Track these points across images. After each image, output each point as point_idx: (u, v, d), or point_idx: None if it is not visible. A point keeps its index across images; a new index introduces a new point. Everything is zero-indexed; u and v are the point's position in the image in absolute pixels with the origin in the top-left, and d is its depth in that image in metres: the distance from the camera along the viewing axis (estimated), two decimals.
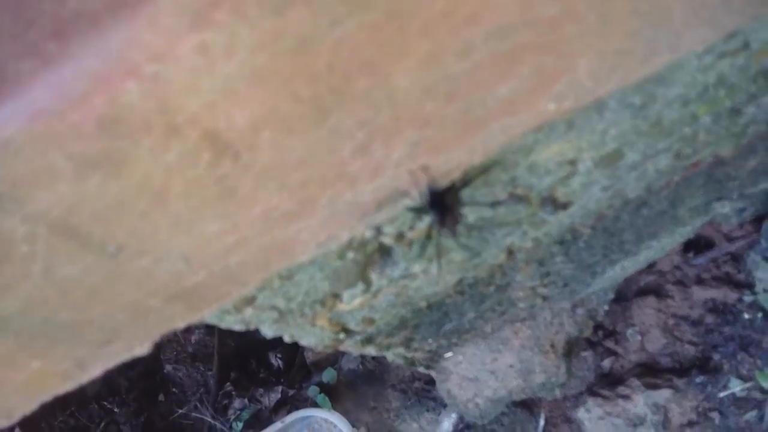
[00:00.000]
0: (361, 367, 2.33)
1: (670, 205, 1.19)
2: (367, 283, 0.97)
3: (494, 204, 0.87)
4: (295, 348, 2.47)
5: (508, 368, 1.63)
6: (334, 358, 2.37)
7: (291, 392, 2.38)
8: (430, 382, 2.23)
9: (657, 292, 1.77)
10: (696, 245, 1.73)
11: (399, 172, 0.64)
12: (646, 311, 1.78)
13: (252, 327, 0.93)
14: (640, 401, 1.70)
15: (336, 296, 0.98)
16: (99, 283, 0.61)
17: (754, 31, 0.74)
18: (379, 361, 2.33)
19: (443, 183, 0.71)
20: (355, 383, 2.31)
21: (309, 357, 2.40)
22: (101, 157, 0.48)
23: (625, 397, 1.73)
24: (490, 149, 0.66)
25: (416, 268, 0.97)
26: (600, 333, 1.84)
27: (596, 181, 0.93)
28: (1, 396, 0.73)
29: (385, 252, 0.92)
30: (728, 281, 1.69)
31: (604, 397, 1.76)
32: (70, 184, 0.49)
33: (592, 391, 1.80)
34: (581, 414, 1.78)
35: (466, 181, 0.75)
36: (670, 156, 0.95)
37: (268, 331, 0.98)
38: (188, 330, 2.56)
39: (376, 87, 0.52)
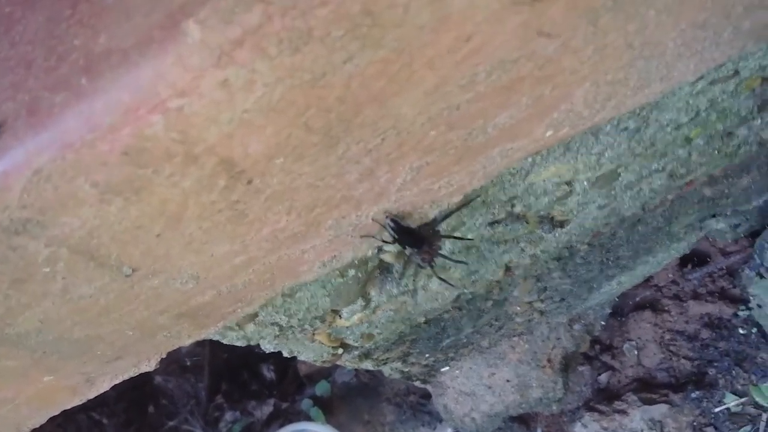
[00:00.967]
0: (355, 380, 2.33)
1: (665, 221, 1.22)
2: (367, 300, 0.99)
3: (493, 223, 0.90)
4: (288, 360, 2.46)
5: (505, 383, 1.64)
6: (327, 371, 2.36)
7: (284, 405, 2.36)
8: (426, 396, 2.24)
9: (653, 306, 1.80)
10: (692, 260, 1.76)
11: (402, 196, 0.67)
12: (642, 326, 1.80)
13: (253, 343, 0.95)
14: (637, 416, 1.72)
15: (336, 312, 1.01)
16: (112, 302, 0.63)
17: (743, 59, 0.77)
18: (373, 374, 2.33)
19: (430, 215, 0.75)
20: (349, 396, 2.30)
21: (302, 369, 2.40)
22: (124, 184, 0.50)
23: (622, 412, 1.75)
24: (490, 172, 0.69)
25: (416, 284, 0.99)
26: (597, 347, 1.86)
27: (592, 200, 0.95)
28: (12, 410, 0.74)
29: (385, 269, 0.94)
30: (723, 296, 1.71)
31: (600, 412, 1.78)
32: (93, 209, 0.51)
33: (588, 406, 1.82)
34: (578, 429, 1.80)
35: (446, 215, 0.79)
36: (664, 176, 0.97)
37: (268, 346, 1.00)
38: None
39: (383, 116, 0.54)
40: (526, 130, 0.64)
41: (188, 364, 2.60)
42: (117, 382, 0.78)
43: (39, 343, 0.65)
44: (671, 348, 1.77)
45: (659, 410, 1.71)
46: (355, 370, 2.34)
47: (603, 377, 1.85)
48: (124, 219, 0.54)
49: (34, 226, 0.51)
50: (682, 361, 1.75)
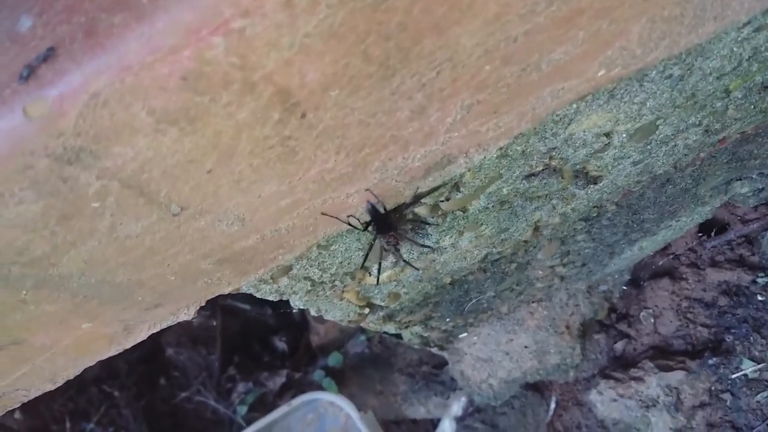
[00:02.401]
0: (367, 350, 2.33)
1: (693, 183, 1.20)
2: (397, 256, 0.98)
3: (529, 176, 0.88)
4: (300, 332, 2.47)
5: (523, 349, 1.64)
6: (339, 342, 2.36)
7: (296, 376, 2.36)
8: (438, 366, 2.24)
9: (671, 274, 1.78)
10: (711, 228, 1.75)
11: (450, 138, 0.65)
12: (659, 294, 1.79)
13: (285, 297, 0.94)
14: (653, 383, 1.71)
15: (366, 270, 1.00)
16: (158, 243, 0.62)
17: None
18: (386, 345, 2.34)
19: (400, 199, 0.75)
20: (362, 367, 2.30)
21: (314, 341, 2.40)
22: (180, 113, 0.49)
23: (638, 379, 1.74)
24: (538, 115, 0.68)
25: (446, 241, 0.98)
26: (613, 316, 1.86)
27: (628, 155, 0.94)
28: (49, 359, 0.74)
29: (417, 224, 0.93)
30: (742, 263, 1.70)
31: (616, 380, 1.78)
32: (147, 139, 0.50)
33: (604, 374, 1.81)
34: (593, 396, 1.80)
35: (417, 197, 0.79)
36: (700, 131, 0.96)
37: (298, 303, 0.99)
38: None
39: (441, 47, 0.53)
40: (580, 68, 0.63)
41: (200, 336, 2.60)
42: (154, 331, 0.77)
43: (81, 286, 0.64)
44: (688, 316, 1.77)
45: (675, 377, 1.70)
46: (368, 341, 2.34)
47: (619, 345, 1.85)
48: (177, 152, 0.52)
49: (88, 156, 0.50)
50: (699, 328, 1.75)
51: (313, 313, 1.07)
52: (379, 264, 0.90)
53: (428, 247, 0.96)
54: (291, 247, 0.73)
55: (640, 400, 1.73)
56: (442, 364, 2.23)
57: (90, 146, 0.49)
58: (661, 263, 1.82)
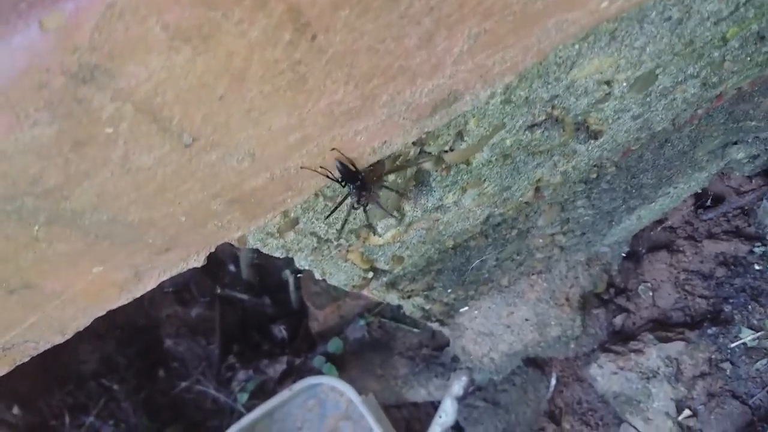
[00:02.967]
0: (367, 336, 2.33)
1: (690, 144, 1.22)
2: (402, 215, 0.99)
3: (532, 126, 0.89)
4: (299, 319, 2.47)
5: (524, 322, 1.65)
6: (339, 328, 2.37)
7: (297, 362, 2.36)
8: (438, 348, 2.25)
9: (668, 247, 1.80)
10: (706, 200, 1.77)
11: (457, 71, 0.66)
12: (657, 267, 1.81)
13: (291, 254, 0.95)
14: (653, 354, 1.73)
15: (370, 228, 1.00)
16: (169, 177, 0.63)
17: None
18: (385, 329, 2.34)
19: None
20: (362, 352, 2.31)
21: (314, 327, 2.40)
22: (193, 30, 0.49)
23: (638, 352, 1.76)
24: (543, 49, 0.69)
25: (449, 198, 0.99)
26: (611, 291, 1.87)
27: (628, 108, 0.95)
28: (59, 307, 0.74)
29: (420, 182, 0.94)
30: (739, 234, 1.72)
31: (616, 353, 1.79)
32: (161, 58, 0.50)
33: (604, 348, 1.83)
34: (593, 370, 1.81)
35: (392, 170, 0.82)
36: (697, 84, 0.97)
37: (304, 262, 1.00)
38: (187, 304, 2.55)
39: None
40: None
41: (198, 327, 2.59)
42: (164, 278, 0.77)
43: (93, 224, 0.64)
44: (686, 288, 1.78)
45: (675, 348, 1.72)
46: (367, 326, 2.34)
47: (618, 320, 1.86)
48: (190, 73, 0.53)
49: (102, 75, 0.50)
50: (698, 300, 1.76)
51: (317, 275, 1.07)
52: (345, 220, 0.90)
53: (393, 217, 0.97)
54: (299, 189, 0.73)
55: (641, 371, 1.75)
56: (442, 346, 2.24)
57: (105, 64, 0.49)
58: (658, 236, 1.84)
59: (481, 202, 1.04)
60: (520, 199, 1.11)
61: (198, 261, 0.76)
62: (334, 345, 2.33)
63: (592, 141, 1.00)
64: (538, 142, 0.93)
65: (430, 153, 0.86)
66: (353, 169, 0.75)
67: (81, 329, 0.80)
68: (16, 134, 0.51)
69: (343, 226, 0.90)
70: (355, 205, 0.85)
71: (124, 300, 0.77)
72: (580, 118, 0.93)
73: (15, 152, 0.53)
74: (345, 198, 0.84)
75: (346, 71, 0.60)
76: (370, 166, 0.78)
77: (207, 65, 0.53)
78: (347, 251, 1.03)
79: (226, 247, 2.67)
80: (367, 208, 0.86)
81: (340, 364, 2.31)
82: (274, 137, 0.64)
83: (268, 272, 2.68)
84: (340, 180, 0.75)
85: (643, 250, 1.85)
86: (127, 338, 2.57)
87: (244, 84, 0.56)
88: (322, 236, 0.94)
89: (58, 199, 0.59)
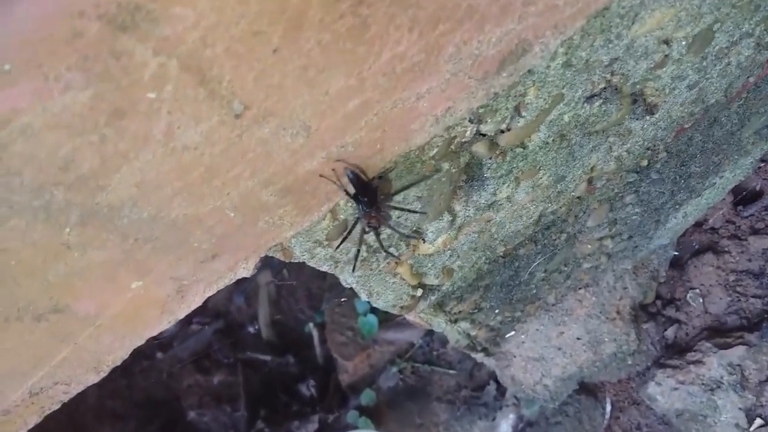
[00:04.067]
0: (400, 383, 2.22)
1: (738, 123, 1.15)
2: (453, 215, 0.90)
3: (591, 97, 0.82)
4: (327, 373, 2.36)
5: (576, 341, 1.54)
6: (370, 378, 2.25)
7: (330, 419, 2.24)
8: (478, 388, 2.13)
9: (712, 249, 1.71)
10: (744, 197, 1.69)
11: (526, 13, 0.59)
12: (704, 271, 1.71)
13: (338, 268, 0.86)
14: (714, 363, 1.61)
15: (420, 233, 0.92)
16: (217, 159, 0.54)
17: None
18: (419, 374, 2.22)
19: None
20: (397, 401, 2.19)
21: (344, 380, 2.28)
22: None
23: (697, 363, 1.64)
24: None
25: (503, 192, 0.91)
26: (658, 302, 1.77)
27: (685, 74, 0.88)
28: (93, 336, 0.64)
29: (474, 173, 0.86)
30: None
31: (674, 367, 1.67)
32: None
33: (660, 364, 1.71)
34: (652, 389, 1.68)
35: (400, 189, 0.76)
36: (752, 45, 0.91)
37: (351, 279, 0.91)
38: (208, 371, 2.44)
39: None
40: None
41: (222, 394, 2.48)
42: (209, 294, 0.67)
43: (132, 223, 0.55)
44: (737, 289, 1.68)
45: (736, 353, 1.60)
46: (400, 372, 2.23)
47: (669, 332, 1.75)
48: (243, 17, 0.46)
49: (144, 20, 0.42)
50: (751, 300, 1.66)
51: (364, 296, 0.98)
52: (358, 251, 0.82)
53: (412, 237, 0.88)
54: None
55: (703, 383, 1.62)
56: (482, 385, 2.11)
57: (147, 4, 0.42)
58: (700, 239, 1.75)
59: (534, 197, 0.96)
60: (573, 193, 1.03)
61: (247, 269, 0.67)
62: (367, 397, 2.21)
63: (648, 117, 0.93)
64: (596, 118, 0.86)
65: (485, 135, 0.78)
66: (365, 179, 0.67)
67: (117, 364, 0.70)
68: (45, 103, 0.44)
69: (356, 258, 0.82)
70: (366, 229, 0.76)
71: (165, 323, 0.67)
72: (638, 87, 0.86)
73: (43, 127, 0.45)
74: (355, 224, 0.76)
75: (411, 14, 0.52)
76: (379, 176, 0.71)
77: (262, 4, 0.45)
78: (396, 264, 0.94)
79: (243, 308, 2.58)
80: (379, 230, 0.78)
81: (376, 417, 2.19)
82: (332, 104, 0.56)
83: (289, 329, 2.58)
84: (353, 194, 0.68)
85: (687, 256, 1.76)
86: (148, 415, 2.46)
87: (301, 32, 0.49)
88: (372, 243, 0.85)
89: (92, 191, 0.51)
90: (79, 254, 0.55)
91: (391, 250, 0.89)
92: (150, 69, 0.45)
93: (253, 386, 2.43)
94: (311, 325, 2.37)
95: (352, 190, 0.67)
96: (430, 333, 2.20)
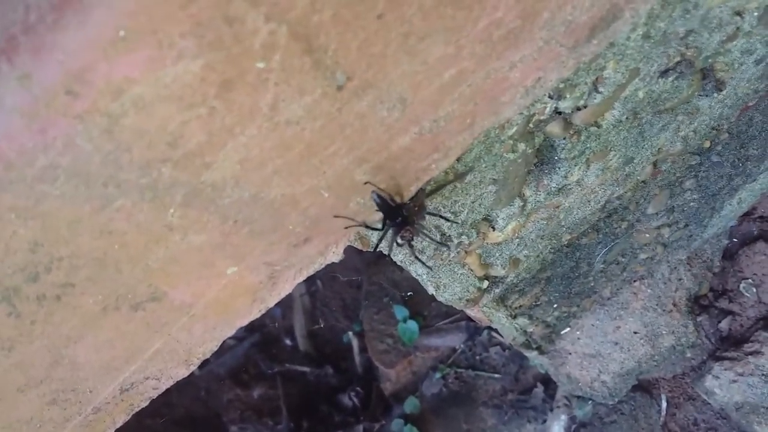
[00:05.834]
0: (444, 389, 2.18)
1: None
2: (523, 200, 0.89)
3: (666, 71, 0.81)
4: (369, 383, 2.33)
5: (633, 335, 1.51)
6: (413, 386, 2.22)
7: (375, 427, 2.22)
8: (525, 391, 2.09)
9: (764, 237, 1.67)
10: None
11: None
12: (756, 260, 1.67)
13: (412, 257, 0.84)
14: None
15: (489, 223, 0.90)
16: (317, 136, 0.54)
17: None
18: (463, 380, 2.19)
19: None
20: (442, 408, 2.15)
21: (387, 388, 2.25)
22: None
23: (755, 353, 1.60)
24: None
25: (574, 174, 0.89)
26: (710, 295, 1.73)
27: (754, 47, 0.87)
28: (186, 326, 0.63)
29: (545, 156, 0.85)
30: None
31: (731, 359, 1.63)
32: None
33: (716, 357, 1.67)
34: (709, 383, 1.64)
35: (434, 189, 0.73)
36: None
37: (422, 270, 0.89)
38: (247, 385, 2.43)
39: None
40: None
41: (263, 408, 2.47)
42: (299, 279, 0.66)
43: (233, 203, 0.54)
44: None
45: None
46: (443, 378, 2.20)
47: (723, 324, 1.71)
48: None
49: None
50: None
51: (431, 289, 0.97)
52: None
53: (445, 245, 0.87)
54: (446, 149, 0.64)
55: (763, 374, 1.58)
56: (529, 388, 2.07)
57: None
58: (750, 229, 1.71)
59: (603, 180, 0.95)
60: (638, 177, 1.01)
61: (337, 254, 0.66)
62: (410, 404, 2.18)
63: (716, 94, 0.91)
64: (668, 94, 0.84)
65: (560, 114, 0.77)
66: (392, 203, 0.66)
67: (207, 357, 0.69)
68: (158, 72, 0.43)
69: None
70: (399, 242, 0.75)
71: (256, 312, 0.66)
72: (709, 61, 0.84)
73: (155, 99, 0.44)
74: (383, 236, 0.74)
75: None
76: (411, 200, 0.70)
77: None
78: (466, 253, 0.93)
79: (279, 321, 2.57)
80: (412, 241, 0.76)
81: (421, 425, 2.15)
82: (428, 74, 0.55)
83: (326, 340, 2.57)
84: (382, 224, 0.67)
85: (737, 245, 1.72)
86: None
87: None
88: (446, 231, 0.84)
89: (198, 168, 0.50)
90: (180, 237, 0.54)
91: (459, 239, 0.87)
92: (260, 36, 0.45)
93: (293, 399, 2.41)
94: (350, 333, 2.35)
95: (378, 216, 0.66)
96: (471, 337, 2.17)
